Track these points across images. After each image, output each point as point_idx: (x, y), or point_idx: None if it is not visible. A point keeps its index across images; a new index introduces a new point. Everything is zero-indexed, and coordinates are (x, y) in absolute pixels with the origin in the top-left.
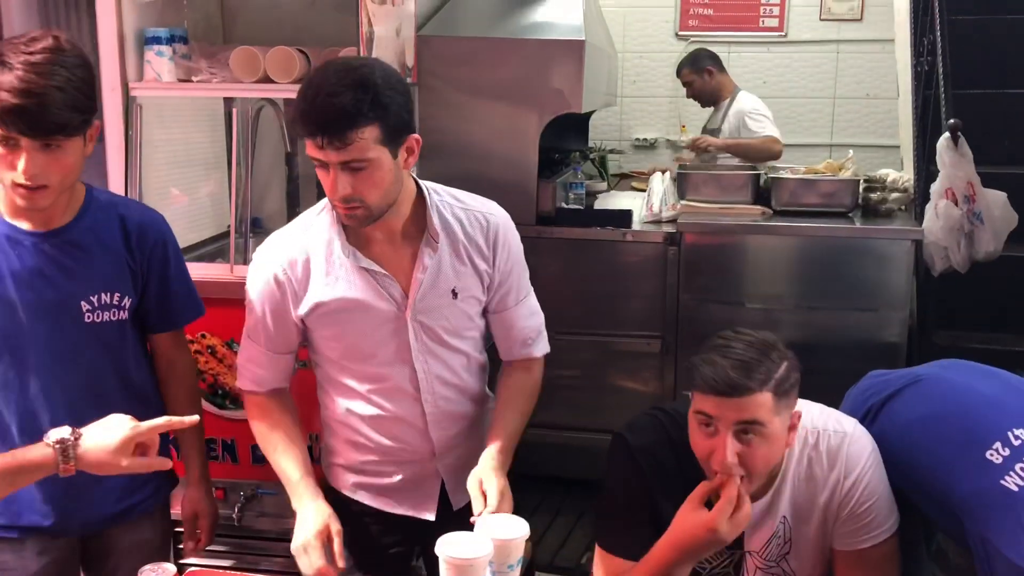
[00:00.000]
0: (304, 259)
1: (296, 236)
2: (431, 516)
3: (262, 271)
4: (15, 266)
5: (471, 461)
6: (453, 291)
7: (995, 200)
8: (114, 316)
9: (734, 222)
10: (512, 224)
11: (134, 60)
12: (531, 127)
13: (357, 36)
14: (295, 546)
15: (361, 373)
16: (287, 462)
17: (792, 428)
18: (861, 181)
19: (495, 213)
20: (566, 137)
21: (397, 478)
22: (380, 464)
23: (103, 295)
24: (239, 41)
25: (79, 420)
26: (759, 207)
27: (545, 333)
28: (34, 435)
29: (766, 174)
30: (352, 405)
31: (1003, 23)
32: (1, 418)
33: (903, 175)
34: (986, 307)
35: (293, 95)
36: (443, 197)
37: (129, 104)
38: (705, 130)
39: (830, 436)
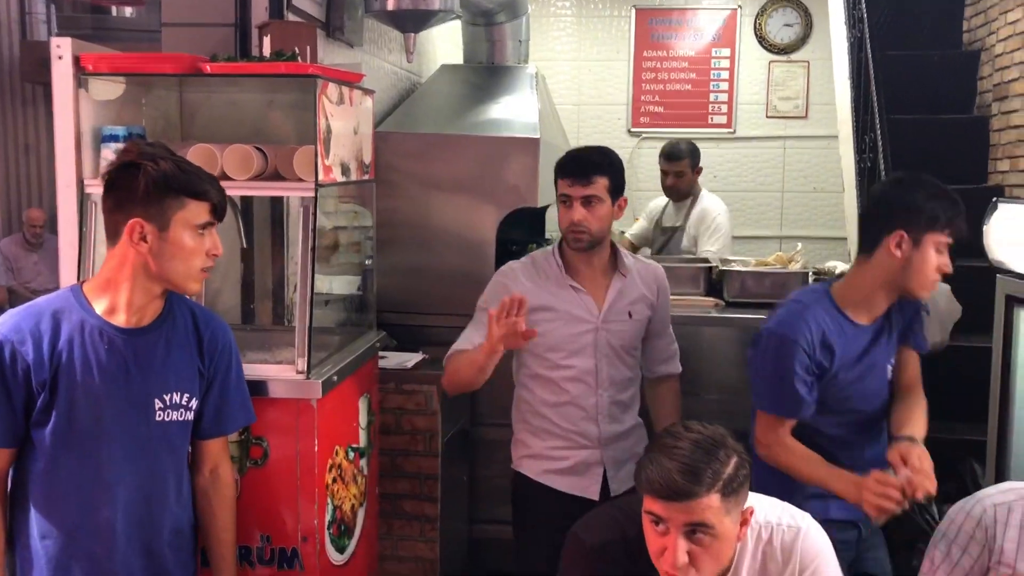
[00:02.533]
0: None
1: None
2: (595, 496)
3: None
4: (103, 360)
5: (627, 456)
6: (629, 312)
7: (941, 292)
8: (181, 416)
9: (687, 313)
10: (665, 277)
11: (91, 156)
12: (488, 220)
13: (315, 134)
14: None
15: (555, 364)
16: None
17: (744, 523)
18: (810, 273)
19: (658, 267)
20: (523, 227)
21: (570, 462)
22: (559, 449)
23: (175, 395)
24: (197, 139)
25: (134, 519)
26: (711, 299)
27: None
28: (89, 528)
29: (718, 266)
30: (544, 394)
31: (940, 122)
32: (67, 507)
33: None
34: (936, 397)
35: (250, 192)
36: (625, 251)
37: (84, 200)
38: (663, 227)
39: (784, 531)
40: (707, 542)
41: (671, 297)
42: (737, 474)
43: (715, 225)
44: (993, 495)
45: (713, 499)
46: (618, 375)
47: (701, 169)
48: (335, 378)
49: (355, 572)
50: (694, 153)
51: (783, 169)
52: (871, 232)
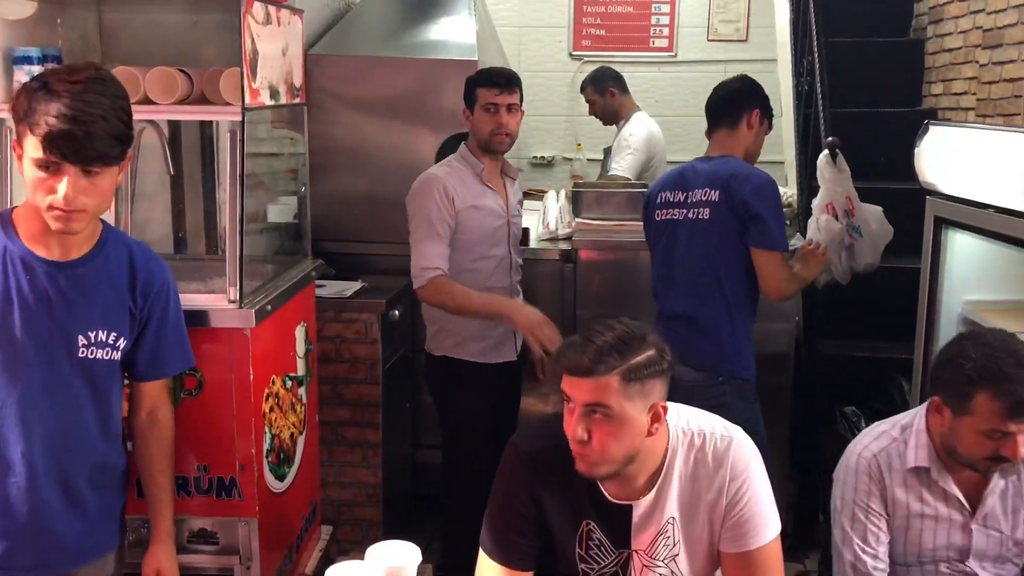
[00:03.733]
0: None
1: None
2: (514, 357)
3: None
4: (24, 290)
5: None
6: (520, 207)
7: (872, 214)
8: (107, 355)
9: (627, 238)
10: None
11: (2, 80)
12: (426, 145)
13: (241, 56)
14: (538, 316)
15: (481, 255)
16: (483, 297)
17: (656, 419)
18: None
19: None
20: None
21: (494, 340)
22: (488, 329)
23: (100, 332)
24: (118, 61)
25: (50, 454)
26: None
27: None
28: (5, 460)
29: None
30: (471, 284)
31: (876, 45)
32: None
33: (787, 191)
34: (868, 317)
35: (174, 116)
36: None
37: None
38: (606, 150)
39: (717, 440)
40: (604, 422)
41: (608, 222)
42: (648, 365)
43: (624, 144)
44: (868, 445)
45: (612, 380)
46: (519, 259)
47: (614, 93)
48: (269, 307)
49: (296, 499)
50: (596, 80)
51: None
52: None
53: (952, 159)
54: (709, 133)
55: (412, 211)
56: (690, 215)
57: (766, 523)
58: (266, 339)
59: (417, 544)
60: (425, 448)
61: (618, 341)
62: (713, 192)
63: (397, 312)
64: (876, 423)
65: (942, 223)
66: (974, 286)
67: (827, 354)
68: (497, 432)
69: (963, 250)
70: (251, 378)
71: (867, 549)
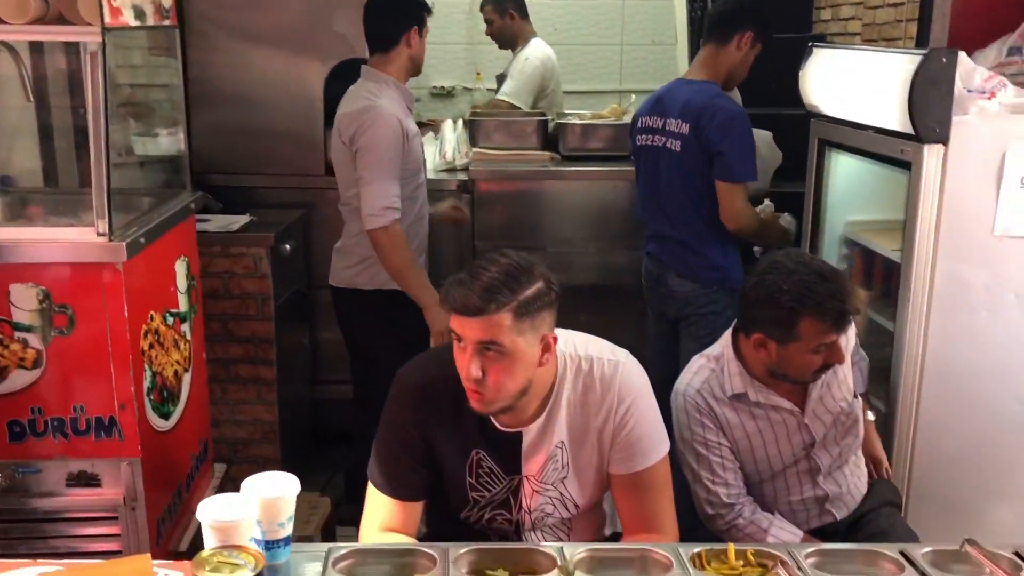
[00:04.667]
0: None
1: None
2: None
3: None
4: None
5: None
6: None
7: (762, 139)
8: None
9: (523, 168)
10: None
11: None
12: (313, 74)
13: None
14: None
15: (420, 183)
16: (420, 272)
17: (547, 350)
18: None
19: None
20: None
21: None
22: (420, 256)
23: None
24: None
25: None
26: (548, 152)
27: None
28: None
29: (554, 120)
30: (408, 210)
31: None
32: None
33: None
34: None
35: (28, 38)
36: None
37: None
38: (499, 77)
39: (604, 364)
40: (498, 359)
41: (506, 151)
42: (538, 298)
43: (519, 70)
44: (690, 382)
45: (504, 318)
46: None
47: (514, 16)
48: (142, 240)
49: (183, 438)
50: (498, 0)
51: (622, 23)
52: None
53: (834, 81)
54: (702, 44)
55: (367, 144)
56: (666, 144)
57: (654, 444)
58: (141, 274)
59: (319, 480)
60: (326, 384)
61: (506, 276)
62: (684, 125)
63: (288, 246)
64: (694, 358)
65: (825, 145)
66: (856, 207)
67: None
68: None
69: (846, 172)
70: (126, 314)
71: (716, 480)
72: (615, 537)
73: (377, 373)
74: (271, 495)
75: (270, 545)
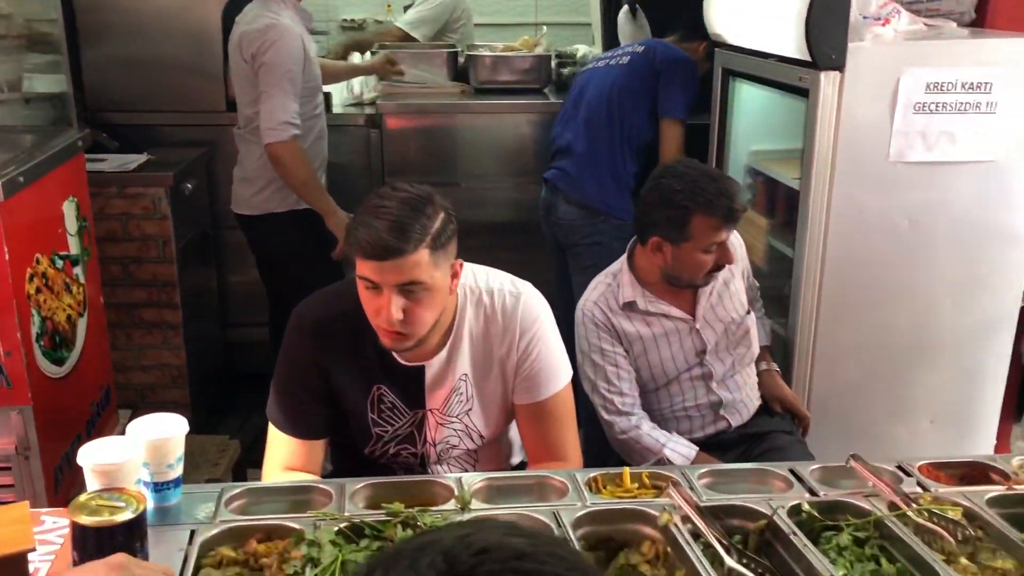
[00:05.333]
0: None
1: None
2: None
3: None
4: None
5: None
6: None
7: None
8: None
9: (433, 101)
10: None
11: None
12: (211, 3)
13: None
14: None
15: (318, 103)
16: (320, 185)
17: (455, 276)
18: (553, 56)
19: None
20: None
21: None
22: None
23: None
24: None
25: None
26: (459, 85)
27: None
28: None
29: (464, 52)
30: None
31: None
32: None
33: (592, 49)
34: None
35: None
36: None
37: None
38: (407, 7)
39: (505, 296)
40: (420, 297)
41: (415, 86)
42: (445, 228)
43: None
44: (589, 297)
45: (423, 255)
46: None
47: None
48: (21, 179)
49: (81, 384)
50: None
51: None
52: None
53: (738, 10)
54: None
55: (270, 60)
56: (611, 62)
57: (556, 374)
58: (24, 214)
59: (233, 423)
60: (237, 327)
61: (413, 211)
62: (639, 47)
63: (189, 186)
64: (596, 276)
65: (729, 75)
66: (760, 137)
67: None
68: None
69: (750, 101)
70: (7, 256)
71: (612, 388)
72: (522, 467)
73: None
74: (157, 437)
75: (159, 487)
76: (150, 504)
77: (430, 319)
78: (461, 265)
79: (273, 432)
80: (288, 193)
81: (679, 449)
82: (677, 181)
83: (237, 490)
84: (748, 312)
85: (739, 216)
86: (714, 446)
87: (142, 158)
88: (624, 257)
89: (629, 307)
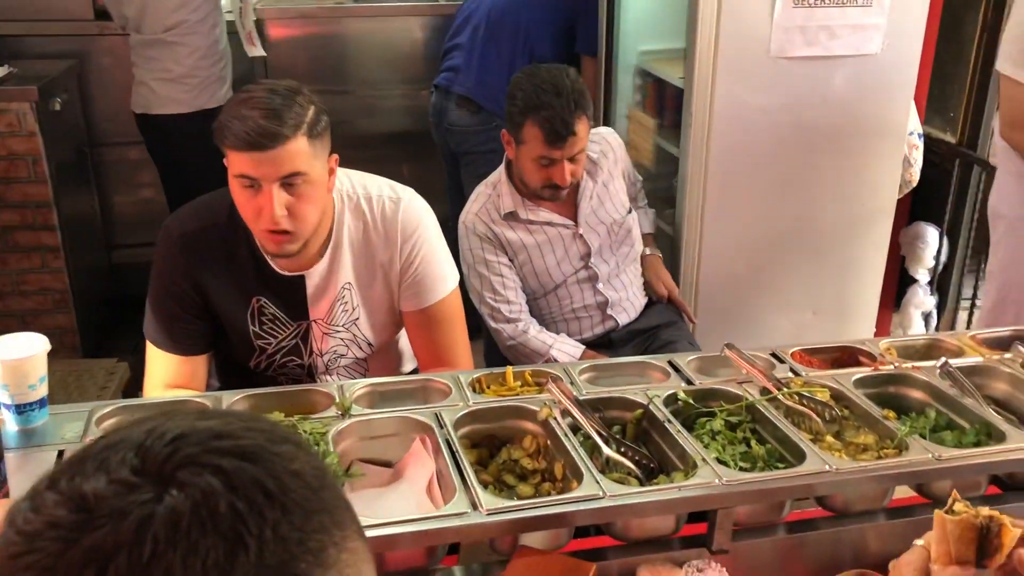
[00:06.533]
0: None
1: None
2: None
3: None
4: None
5: None
6: None
7: None
8: None
9: (318, 5)
10: None
11: None
12: None
13: None
14: None
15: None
16: None
17: (332, 172)
18: None
19: None
20: None
21: None
22: None
23: None
24: None
25: None
26: None
27: None
28: None
29: None
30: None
31: None
32: None
33: None
34: None
35: None
36: None
37: None
38: None
39: (385, 201)
40: (303, 190)
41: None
42: (319, 119)
43: None
44: (470, 209)
45: (302, 142)
46: None
47: None
48: None
49: None
50: None
51: None
52: None
53: None
54: None
55: None
56: None
57: (442, 278)
58: None
59: (124, 346)
60: (124, 249)
61: (284, 100)
62: None
63: (59, 101)
64: (476, 188)
65: None
66: (648, 36)
67: None
68: None
69: (637, 1)
70: None
71: (498, 298)
72: (415, 375)
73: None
74: (14, 357)
75: (21, 409)
76: (12, 426)
77: (314, 216)
78: (336, 161)
79: (152, 350)
80: (219, 88)
81: (566, 349)
82: (527, 81)
83: (108, 408)
84: (630, 211)
85: (562, 139)
86: (605, 345)
87: (3, 71)
88: (503, 167)
89: (511, 216)
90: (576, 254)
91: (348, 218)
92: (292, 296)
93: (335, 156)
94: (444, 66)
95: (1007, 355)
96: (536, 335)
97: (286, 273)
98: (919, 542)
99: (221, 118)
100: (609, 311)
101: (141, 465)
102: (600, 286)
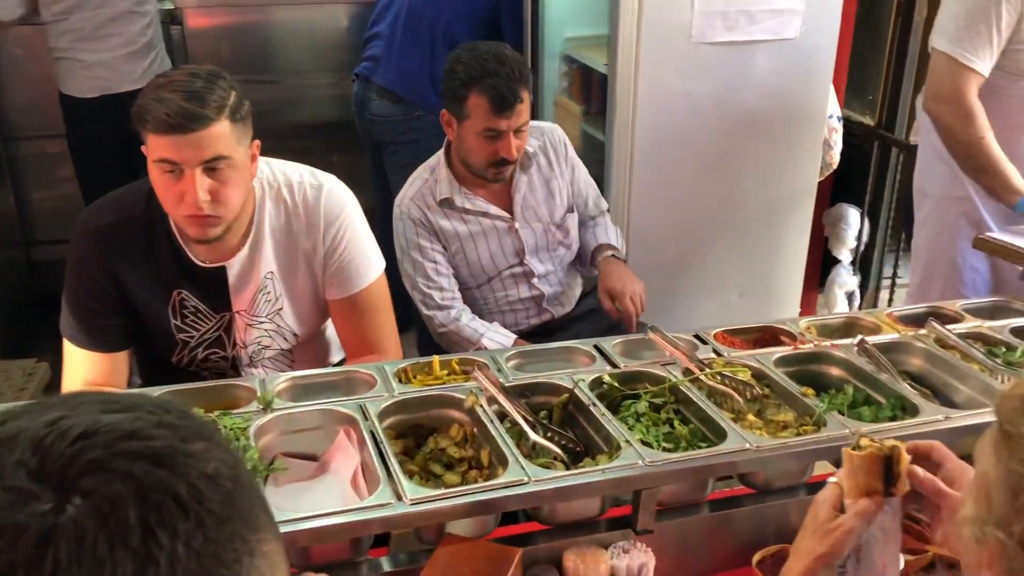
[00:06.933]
0: None
1: None
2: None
3: None
4: None
5: None
6: None
7: None
8: None
9: None
10: None
11: None
12: None
13: None
14: None
15: None
16: None
17: (254, 158)
18: None
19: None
20: None
21: None
22: None
23: None
24: None
25: None
26: None
27: None
28: None
29: None
30: None
31: None
32: None
33: None
34: None
35: None
36: None
37: None
38: None
39: (307, 188)
40: (227, 175)
41: None
42: (241, 103)
43: None
44: (406, 193)
45: (224, 125)
46: None
47: None
48: None
49: None
50: None
51: None
52: None
53: None
54: None
55: None
56: None
57: (367, 265)
58: None
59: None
60: (44, 245)
61: (207, 82)
62: None
63: None
64: (414, 172)
65: None
66: (573, 23)
67: None
68: None
69: None
70: None
71: (431, 284)
72: (343, 364)
73: None
74: None
75: None
76: None
77: (237, 201)
78: (258, 147)
79: (69, 348)
80: (166, 57)
81: (497, 338)
82: (467, 54)
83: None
84: (571, 211)
85: (509, 106)
86: (542, 334)
87: None
88: (442, 152)
89: (446, 203)
90: (511, 249)
91: (269, 206)
92: (213, 287)
93: (257, 142)
94: (365, 55)
95: (922, 331)
96: (468, 323)
97: (207, 264)
98: (832, 479)
99: (140, 101)
100: (545, 305)
101: (40, 468)
102: (536, 281)
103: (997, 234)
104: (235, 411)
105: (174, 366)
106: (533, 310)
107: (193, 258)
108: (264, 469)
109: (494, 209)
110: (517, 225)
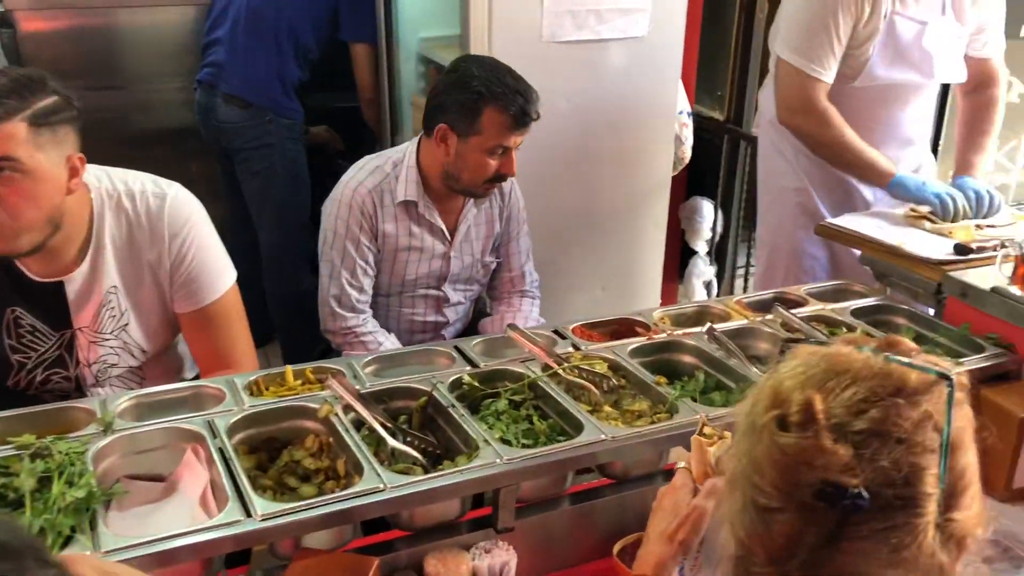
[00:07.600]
0: None
1: None
2: None
3: None
4: None
5: None
6: None
7: None
8: None
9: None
10: None
11: None
12: None
13: None
14: None
15: None
16: None
17: (75, 174)
18: None
19: None
20: None
21: None
22: None
23: None
24: None
25: None
26: None
27: None
28: None
29: None
30: None
31: None
32: None
33: None
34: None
35: None
36: None
37: None
38: None
39: (149, 197)
40: (16, 179)
41: None
42: (56, 111)
43: None
44: (363, 180)
45: (17, 127)
46: None
47: None
48: None
49: None
50: None
51: None
52: None
53: None
54: None
55: None
56: None
57: (218, 274)
58: None
59: None
60: None
61: (13, 84)
62: None
63: None
64: (369, 157)
65: None
66: (427, 23)
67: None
68: None
69: None
70: None
71: (353, 283)
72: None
73: None
74: None
75: None
76: None
77: (33, 214)
78: (82, 161)
79: None
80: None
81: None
82: (478, 67)
83: None
84: (496, 258)
85: (529, 122)
86: None
87: None
88: (412, 148)
89: (404, 206)
90: (437, 272)
91: (109, 217)
92: (51, 304)
93: (80, 156)
94: (206, 61)
95: (768, 316)
96: (372, 331)
97: (42, 280)
98: (681, 464)
99: None
100: (443, 332)
101: None
102: (446, 309)
103: (836, 220)
104: (71, 435)
105: (10, 390)
106: (430, 334)
107: (28, 274)
108: (102, 494)
109: (440, 223)
110: (452, 253)
